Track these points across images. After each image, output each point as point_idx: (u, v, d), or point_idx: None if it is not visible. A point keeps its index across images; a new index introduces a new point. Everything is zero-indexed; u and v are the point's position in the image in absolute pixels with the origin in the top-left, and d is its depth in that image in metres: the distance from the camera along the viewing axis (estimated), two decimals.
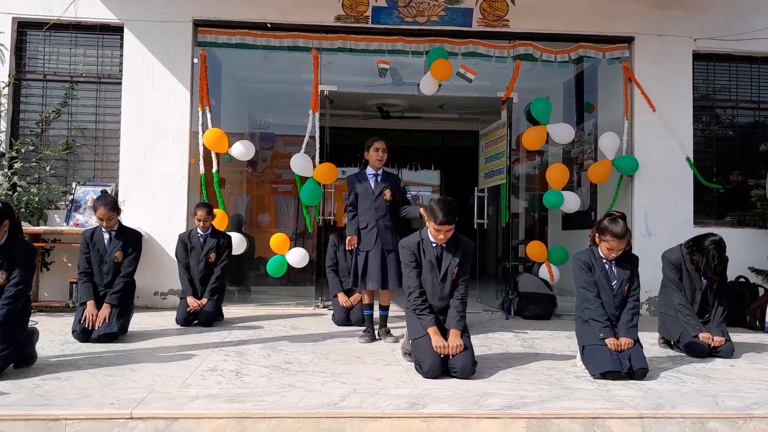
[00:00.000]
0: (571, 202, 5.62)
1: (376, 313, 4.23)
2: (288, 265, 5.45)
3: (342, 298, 4.78)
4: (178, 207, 5.37)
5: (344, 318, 4.70)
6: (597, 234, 3.43)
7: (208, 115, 5.45)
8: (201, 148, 5.42)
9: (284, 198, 6.95)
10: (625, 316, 3.39)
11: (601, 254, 3.44)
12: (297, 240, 6.55)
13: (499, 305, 5.71)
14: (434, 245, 3.40)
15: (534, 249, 5.69)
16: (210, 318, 4.54)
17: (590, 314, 3.39)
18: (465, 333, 3.33)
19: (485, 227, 6.10)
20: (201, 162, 5.43)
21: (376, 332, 4.16)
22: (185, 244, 4.73)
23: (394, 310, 5.02)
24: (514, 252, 6.39)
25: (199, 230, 4.71)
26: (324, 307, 5.58)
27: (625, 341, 3.30)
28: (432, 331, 3.27)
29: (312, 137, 5.39)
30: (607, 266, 3.44)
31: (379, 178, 4.15)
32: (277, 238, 5.45)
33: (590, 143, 6.41)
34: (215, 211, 4.99)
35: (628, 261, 3.44)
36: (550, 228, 7.15)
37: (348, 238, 4.12)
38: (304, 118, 5.44)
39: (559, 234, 6.98)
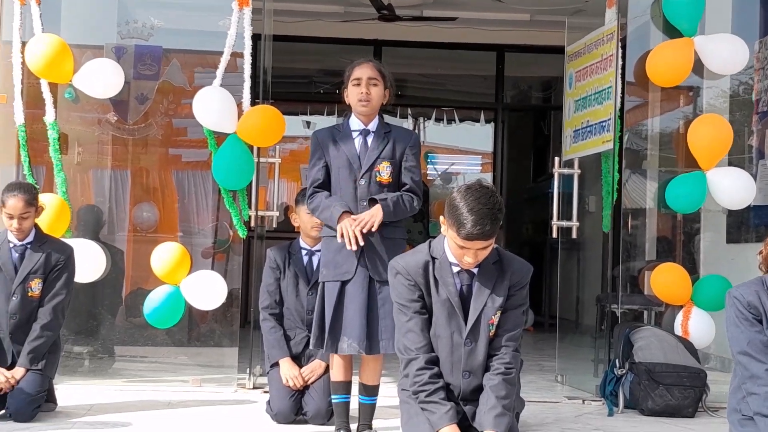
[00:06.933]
0: (738, 190, 5.64)
1: (354, 401, 4.33)
2: (186, 305, 5.52)
3: (287, 371, 4.80)
4: None
5: (290, 408, 4.72)
6: None
7: (35, 11, 5.51)
8: (20, 75, 5.50)
9: (188, 175, 6.97)
10: None
11: None
12: (215, 256, 6.58)
13: (598, 388, 5.71)
14: (457, 271, 3.56)
15: (666, 279, 5.69)
16: (29, 405, 4.55)
17: (758, 405, 3.51)
18: None
19: (574, 235, 6.21)
20: (18, 102, 5.51)
21: None
22: None
23: (388, 393, 4.82)
24: (630, 284, 6.36)
25: (10, 236, 4.73)
26: (256, 388, 5.68)
27: None
28: None
29: (237, 56, 5.52)
30: None
31: (371, 138, 4.26)
32: (168, 254, 5.52)
33: None
34: (44, 199, 5.00)
35: None
36: (705, 239, 7.10)
37: (341, 216, 4.15)
38: (222, 18, 5.57)
39: (721, 251, 7.03)
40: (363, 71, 4.20)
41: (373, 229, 4.07)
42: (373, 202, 4.17)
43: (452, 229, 3.41)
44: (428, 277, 3.53)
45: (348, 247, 4.04)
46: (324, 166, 4.26)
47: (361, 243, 4.03)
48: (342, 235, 4.05)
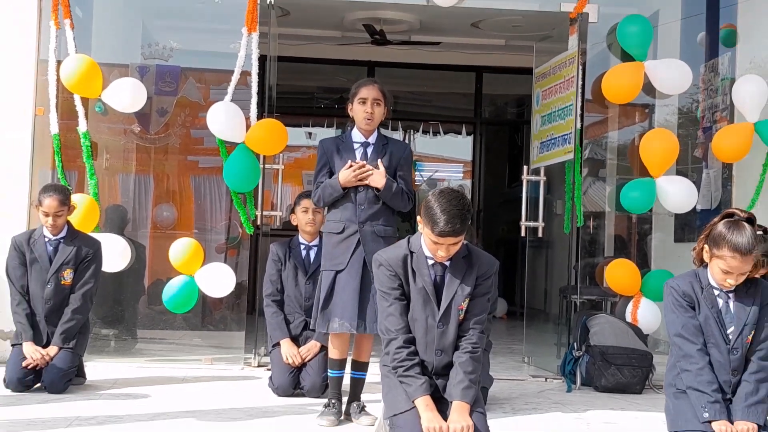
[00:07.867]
0: (681, 196, 5.88)
1: (347, 377, 4.49)
2: (199, 293, 5.75)
3: (287, 350, 5.06)
4: (14, 191, 5.74)
5: (289, 383, 5.01)
6: (707, 246, 3.69)
7: (70, 34, 5.77)
8: (55, 91, 5.74)
9: (204, 179, 7.26)
10: (746, 385, 3.67)
11: (712, 281, 3.73)
12: (228, 251, 6.90)
13: (558, 368, 5.95)
14: (432, 263, 3.72)
15: (618, 272, 5.92)
16: (61, 379, 4.81)
17: (690, 380, 3.68)
18: (477, 409, 3.61)
19: (540, 234, 6.44)
20: (53, 114, 5.73)
21: (343, 407, 4.43)
22: (22, 253, 5.00)
23: (371, 371, 4.94)
24: (589, 277, 6.66)
25: (46, 231, 4.96)
26: (260, 366, 5.92)
27: (744, 428, 3.57)
28: (422, 403, 3.55)
29: (246, 74, 5.76)
30: (720, 301, 3.74)
31: (370, 150, 4.45)
32: (184, 248, 5.75)
33: (725, 94, 6.71)
34: (75, 199, 5.25)
35: (755, 294, 3.73)
36: (655, 238, 7.41)
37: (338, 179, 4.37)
38: (233, 41, 5.82)
39: (669, 249, 7.25)
40: (369, 92, 4.39)
41: (366, 181, 4.24)
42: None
43: (427, 227, 3.53)
44: (407, 268, 3.66)
45: (363, 168, 4.24)
46: (328, 172, 4.42)
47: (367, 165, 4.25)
48: (354, 170, 4.24)
